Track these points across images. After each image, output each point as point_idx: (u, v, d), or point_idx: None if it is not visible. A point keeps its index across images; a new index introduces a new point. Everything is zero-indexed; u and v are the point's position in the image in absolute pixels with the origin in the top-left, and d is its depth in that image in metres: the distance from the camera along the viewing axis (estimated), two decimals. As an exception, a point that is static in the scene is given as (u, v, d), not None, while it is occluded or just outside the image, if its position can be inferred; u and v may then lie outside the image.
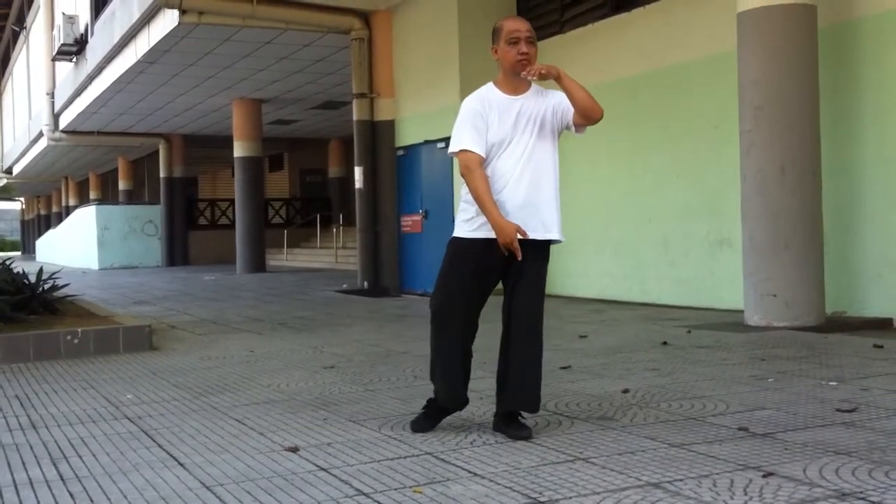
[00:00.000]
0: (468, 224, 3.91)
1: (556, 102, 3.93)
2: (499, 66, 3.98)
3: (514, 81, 3.92)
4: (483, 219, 3.83)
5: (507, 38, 3.89)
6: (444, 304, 3.93)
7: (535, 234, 3.84)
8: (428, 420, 4.05)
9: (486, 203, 3.77)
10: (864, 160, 7.80)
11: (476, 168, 3.82)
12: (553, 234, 3.92)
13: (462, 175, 3.88)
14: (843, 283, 7.89)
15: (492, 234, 3.82)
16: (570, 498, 2.94)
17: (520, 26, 3.91)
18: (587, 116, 3.88)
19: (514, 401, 3.88)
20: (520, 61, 3.86)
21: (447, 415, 4.09)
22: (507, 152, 3.86)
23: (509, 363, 3.89)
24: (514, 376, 3.87)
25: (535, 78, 3.83)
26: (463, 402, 4.06)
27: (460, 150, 3.87)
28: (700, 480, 3.09)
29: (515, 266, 3.86)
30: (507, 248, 3.76)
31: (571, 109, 3.90)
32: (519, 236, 3.75)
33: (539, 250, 3.90)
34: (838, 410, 4.15)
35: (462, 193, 3.98)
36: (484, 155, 3.85)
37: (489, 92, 3.95)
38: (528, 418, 3.99)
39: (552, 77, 3.82)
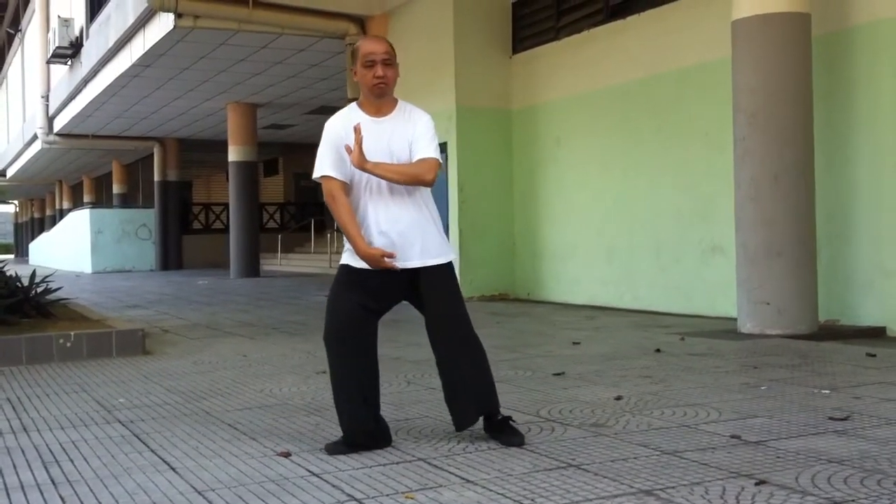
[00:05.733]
0: (352, 252, 3.78)
1: (410, 135, 3.77)
2: (360, 88, 3.84)
3: (377, 103, 3.80)
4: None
5: (363, 61, 3.73)
6: (333, 329, 3.80)
7: (419, 261, 3.75)
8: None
9: (350, 232, 3.66)
10: (858, 169, 7.82)
11: (339, 196, 3.69)
12: (437, 259, 3.79)
13: (327, 203, 3.76)
14: (835, 291, 7.91)
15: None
16: (563, 505, 2.94)
17: (375, 48, 3.75)
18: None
19: (487, 404, 3.82)
20: (377, 84, 3.73)
21: (363, 449, 3.75)
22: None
23: (464, 374, 3.80)
24: (476, 381, 3.80)
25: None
26: (371, 433, 3.77)
27: (322, 177, 3.73)
28: (692, 488, 3.09)
29: (426, 293, 3.78)
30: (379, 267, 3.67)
31: (417, 148, 3.75)
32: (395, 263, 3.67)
33: (440, 269, 3.81)
34: (831, 419, 4.16)
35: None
36: (346, 180, 3.73)
37: (353, 113, 3.80)
38: (520, 424, 3.99)
39: (359, 168, 3.62)
